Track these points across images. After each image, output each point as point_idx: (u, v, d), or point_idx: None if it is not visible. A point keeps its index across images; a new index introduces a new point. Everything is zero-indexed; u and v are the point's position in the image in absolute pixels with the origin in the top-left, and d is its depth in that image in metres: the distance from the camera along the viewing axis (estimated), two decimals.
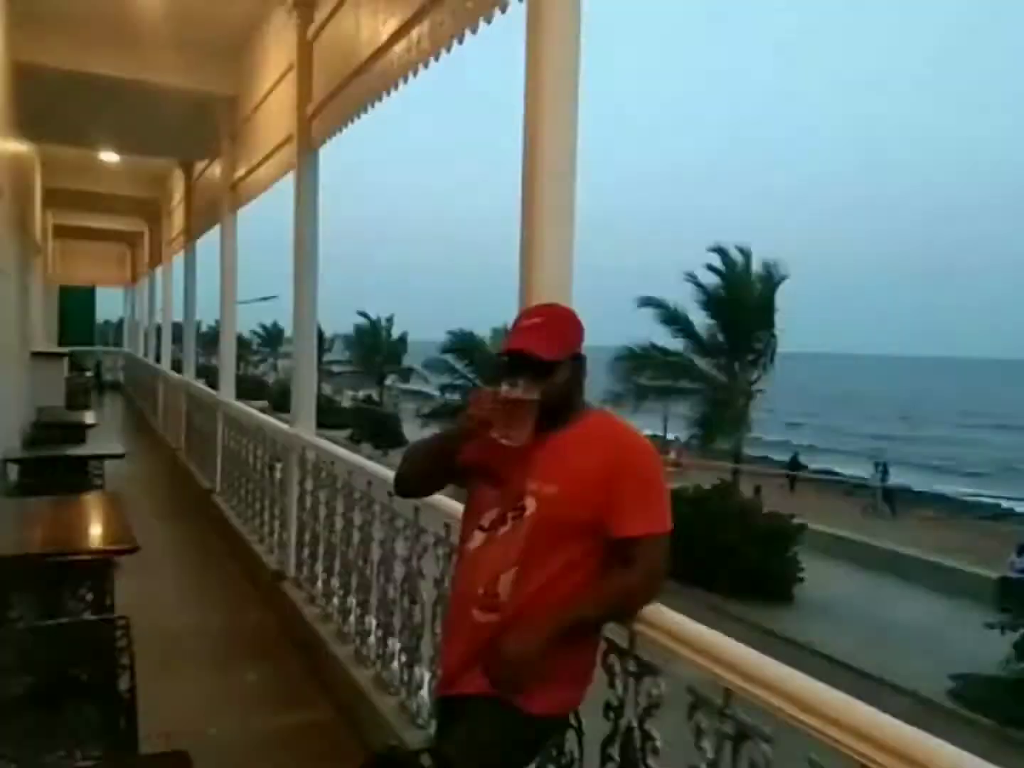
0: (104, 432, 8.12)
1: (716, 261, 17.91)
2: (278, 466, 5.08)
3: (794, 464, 28.72)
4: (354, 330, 38.52)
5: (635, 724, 1.73)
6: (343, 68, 4.19)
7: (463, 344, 24.02)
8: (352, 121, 4.29)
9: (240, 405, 6.84)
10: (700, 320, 18.01)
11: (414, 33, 3.31)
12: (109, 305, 27.63)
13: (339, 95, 4.34)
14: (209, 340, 28.63)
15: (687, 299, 17.95)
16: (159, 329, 14.19)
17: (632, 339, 18.38)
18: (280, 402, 28.19)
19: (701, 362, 18.19)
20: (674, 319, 18.05)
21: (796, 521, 15.94)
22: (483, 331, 24.13)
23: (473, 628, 1.76)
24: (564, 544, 1.73)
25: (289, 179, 5.11)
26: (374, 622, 3.35)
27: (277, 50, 5.52)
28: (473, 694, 1.75)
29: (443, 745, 1.83)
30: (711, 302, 17.76)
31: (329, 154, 4.82)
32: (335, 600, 3.87)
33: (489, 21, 2.67)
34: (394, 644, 3.13)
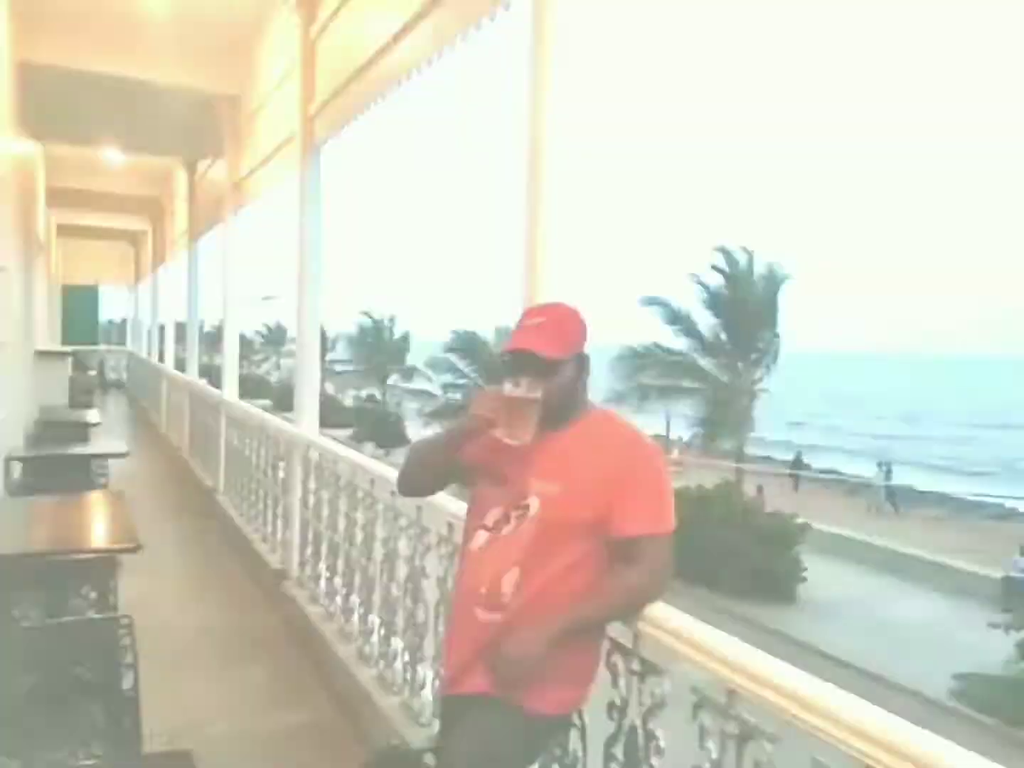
0: (107, 431, 8.14)
1: (720, 261, 17.98)
2: (281, 465, 5.08)
3: (797, 463, 28.73)
4: (357, 329, 38.55)
5: (639, 724, 1.72)
6: (346, 67, 4.19)
7: (466, 343, 24.04)
8: (355, 120, 4.30)
9: (243, 404, 6.85)
10: (704, 320, 18.08)
11: (418, 31, 3.31)
12: (112, 304, 27.69)
13: (342, 94, 4.35)
14: (212, 339, 28.64)
15: (689, 298, 18.03)
16: (162, 328, 14.22)
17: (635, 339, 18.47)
18: (283, 401, 28.22)
19: (704, 361, 18.22)
20: (677, 318, 18.10)
21: (799, 521, 15.94)
22: (486, 330, 24.16)
23: (476, 628, 1.76)
24: (568, 544, 1.72)
25: (292, 178, 5.12)
26: (377, 621, 3.34)
27: (280, 49, 5.53)
28: (476, 694, 1.75)
29: (446, 745, 1.83)
30: (714, 301, 17.79)
31: (330, 153, 4.83)
32: (338, 599, 3.86)
33: (492, 18, 2.67)
34: (397, 643, 3.12)
